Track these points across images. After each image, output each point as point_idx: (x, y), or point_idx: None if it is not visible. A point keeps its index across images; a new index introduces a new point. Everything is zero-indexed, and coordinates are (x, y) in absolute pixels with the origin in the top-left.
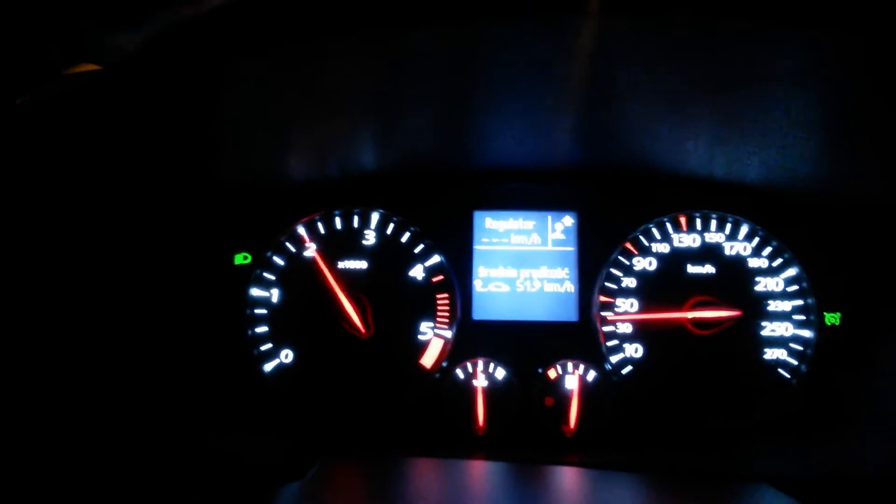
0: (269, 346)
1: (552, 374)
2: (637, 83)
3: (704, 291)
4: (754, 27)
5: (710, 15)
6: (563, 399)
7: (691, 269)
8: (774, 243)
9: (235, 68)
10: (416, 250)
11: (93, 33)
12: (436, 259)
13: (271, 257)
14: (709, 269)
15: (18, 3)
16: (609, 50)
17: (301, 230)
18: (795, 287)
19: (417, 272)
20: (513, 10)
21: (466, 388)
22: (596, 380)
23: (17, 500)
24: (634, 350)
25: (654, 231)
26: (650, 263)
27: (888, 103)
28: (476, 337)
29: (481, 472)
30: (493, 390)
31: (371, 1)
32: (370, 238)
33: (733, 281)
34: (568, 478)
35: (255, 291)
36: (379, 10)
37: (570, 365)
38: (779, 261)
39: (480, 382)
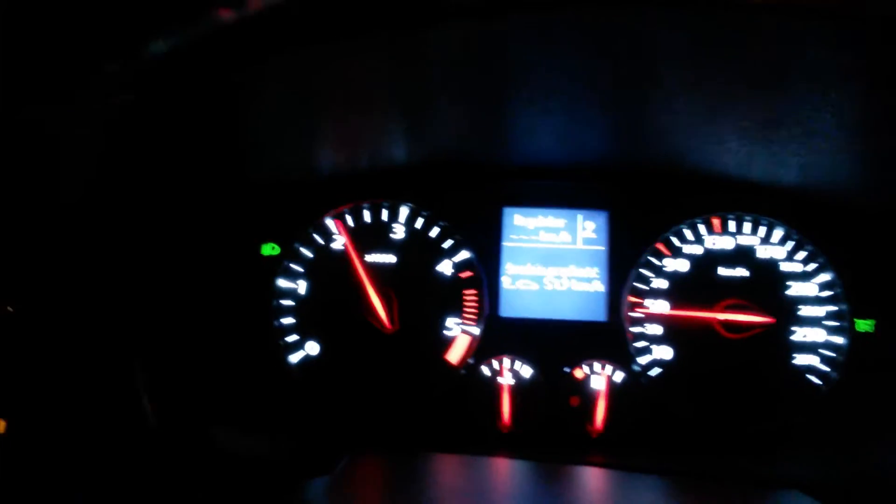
0: (295, 337)
1: (579, 373)
2: (682, 80)
3: (736, 295)
4: (802, 21)
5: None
6: (590, 399)
7: (723, 271)
8: (809, 247)
9: (264, 69)
10: (445, 245)
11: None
12: (464, 255)
13: (299, 249)
14: (741, 272)
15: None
16: (650, 45)
17: (329, 222)
18: (829, 292)
19: (445, 267)
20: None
21: (492, 386)
22: (623, 381)
23: (40, 485)
24: (663, 352)
25: (687, 232)
26: (682, 265)
27: None
28: (503, 334)
29: (506, 470)
30: (519, 388)
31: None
32: (399, 232)
33: (766, 285)
34: (593, 478)
35: (283, 282)
36: (407, 9)
37: (597, 365)
38: (812, 265)
39: (506, 380)
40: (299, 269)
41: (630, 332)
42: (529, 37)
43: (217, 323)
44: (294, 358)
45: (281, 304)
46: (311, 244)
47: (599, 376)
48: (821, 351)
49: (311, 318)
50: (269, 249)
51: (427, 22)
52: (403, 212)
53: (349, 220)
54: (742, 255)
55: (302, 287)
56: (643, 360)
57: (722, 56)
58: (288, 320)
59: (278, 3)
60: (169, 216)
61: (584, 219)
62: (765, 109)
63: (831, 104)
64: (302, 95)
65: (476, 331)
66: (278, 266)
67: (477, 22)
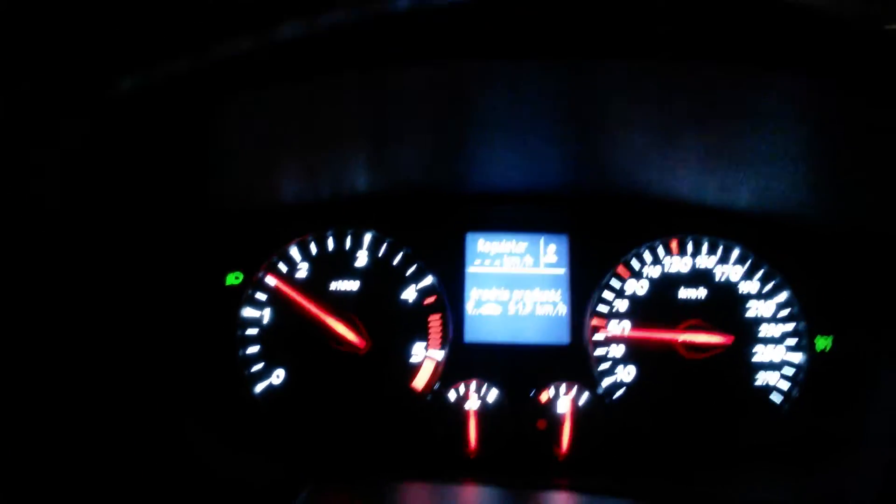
0: (260, 366)
1: (544, 396)
2: (627, 117)
3: (696, 315)
4: (733, 69)
5: (693, 59)
6: (556, 422)
7: (683, 293)
8: (765, 267)
9: (226, 105)
10: (409, 272)
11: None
12: (428, 280)
13: (263, 278)
14: (700, 293)
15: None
16: (599, 88)
17: (293, 250)
18: (787, 311)
19: (410, 294)
20: (504, 53)
21: (458, 411)
22: (588, 403)
23: None
24: (627, 373)
25: (646, 255)
26: (642, 287)
27: (870, 142)
28: (468, 359)
29: (472, 497)
30: (485, 413)
31: (358, 40)
32: (362, 259)
33: (724, 305)
34: (560, 502)
35: (247, 312)
36: (367, 50)
37: (562, 388)
38: (770, 285)
39: (472, 405)
40: (263, 297)
41: (593, 354)
42: (486, 79)
43: (181, 353)
44: (259, 388)
45: (245, 334)
46: (275, 273)
47: (565, 399)
48: (781, 370)
49: (276, 347)
50: (233, 279)
51: (390, 63)
52: (367, 239)
53: (313, 248)
54: (700, 277)
55: (266, 316)
56: (607, 381)
57: (665, 99)
58: (253, 350)
59: (246, 47)
60: (131, 245)
61: (546, 243)
62: (704, 142)
63: (766, 138)
64: (266, 128)
65: (441, 356)
66: (242, 295)
67: (434, 66)
